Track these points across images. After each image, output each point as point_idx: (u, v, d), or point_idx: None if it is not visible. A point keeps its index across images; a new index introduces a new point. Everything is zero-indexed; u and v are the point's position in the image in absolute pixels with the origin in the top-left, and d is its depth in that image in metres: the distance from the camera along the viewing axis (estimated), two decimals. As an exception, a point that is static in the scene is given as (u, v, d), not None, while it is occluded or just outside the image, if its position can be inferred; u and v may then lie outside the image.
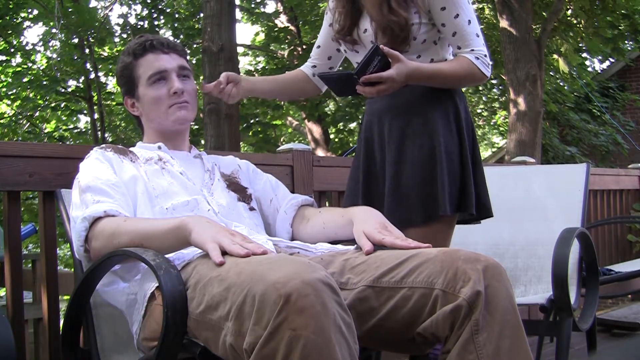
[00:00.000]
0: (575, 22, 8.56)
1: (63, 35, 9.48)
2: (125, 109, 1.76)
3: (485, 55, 1.83)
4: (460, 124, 1.85)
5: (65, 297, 3.36)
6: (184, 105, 1.65)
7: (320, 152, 11.23)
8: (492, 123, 15.27)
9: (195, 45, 10.24)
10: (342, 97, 1.74)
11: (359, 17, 1.86)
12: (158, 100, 1.64)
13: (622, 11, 8.65)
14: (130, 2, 10.72)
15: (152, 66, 1.64)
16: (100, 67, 10.74)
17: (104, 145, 1.63)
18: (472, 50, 1.81)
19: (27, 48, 10.63)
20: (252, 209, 1.69)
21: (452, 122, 1.84)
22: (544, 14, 8.33)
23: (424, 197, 1.79)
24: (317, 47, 2.03)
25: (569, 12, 8.47)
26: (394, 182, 1.82)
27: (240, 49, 11.81)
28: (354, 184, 1.95)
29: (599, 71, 12.32)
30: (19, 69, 10.70)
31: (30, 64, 10.76)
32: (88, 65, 10.44)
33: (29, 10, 10.14)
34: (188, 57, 1.78)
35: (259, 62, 13.95)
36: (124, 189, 1.51)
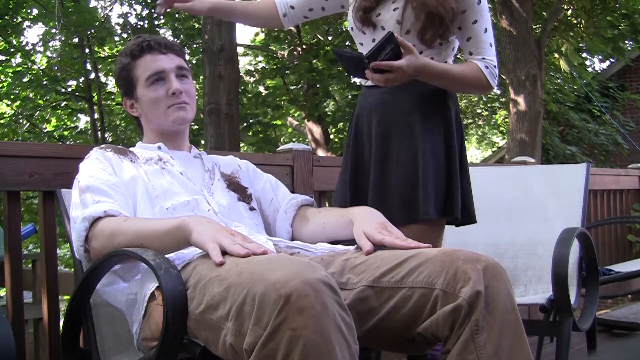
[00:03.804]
0: (575, 22, 8.56)
1: (63, 35, 9.48)
2: (125, 109, 1.76)
3: (495, 66, 1.83)
4: (450, 129, 1.83)
5: (65, 297, 3.36)
6: (183, 105, 1.64)
7: (320, 152, 11.23)
8: (492, 123, 15.27)
9: (195, 45, 10.24)
10: (352, 76, 1.71)
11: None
12: (156, 101, 1.63)
13: (623, 11, 8.65)
14: (131, 1, 10.71)
15: (150, 67, 1.64)
16: (100, 67, 10.74)
17: (103, 145, 1.63)
18: (484, 58, 1.82)
19: (27, 48, 10.63)
20: (252, 208, 1.69)
21: (441, 125, 1.82)
22: (544, 14, 8.33)
23: (405, 200, 1.78)
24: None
25: (569, 12, 8.47)
26: (378, 179, 1.82)
27: (240, 49, 11.80)
28: (342, 179, 1.95)
29: (599, 71, 12.32)
30: (19, 69, 10.70)
31: (30, 64, 10.76)
32: (88, 66, 10.44)
33: (29, 10, 10.14)
34: (187, 57, 1.77)
35: (259, 62, 13.94)
36: (123, 189, 1.51)
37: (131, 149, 1.66)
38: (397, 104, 1.83)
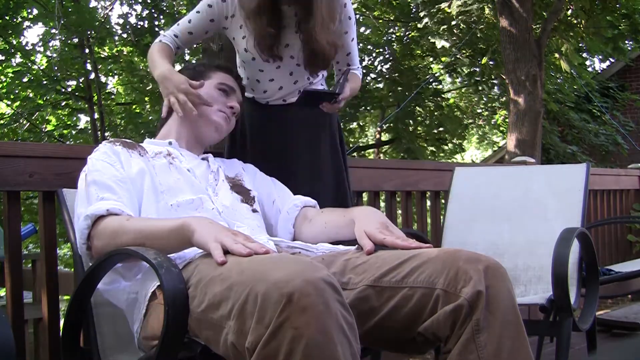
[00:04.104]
0: (575, 22, 8.56)
1: (63, 35, 9.47)
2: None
3: (360, 73, 2.16)
4: (342, 139, 2.16)
5: (65, 297, 3.37)
6: (230, 118, 1.77)
7: (320, 152, 11.20)
8: (492, 123, 15.27)
9: (195, 45, 10.23)
10: (304, 106, 1.96)
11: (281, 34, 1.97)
12: (214, 100, 1.74)
13: (623, 11, 8.65)
14: (131, 1, 10.70)
15: (225, 79, 1.79)
16: (100, 67, 10.73)
17: (112, 139, 1.64)
18: (358, 67, 2.14)
19: (27, 48, 10.62)
20: (254, 210, 1.69)
21: (337, 138, 2.12)
22: (544, 13, 8.32)
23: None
24: (189, 33, 2.01)
25: (569, 12, 8.46)
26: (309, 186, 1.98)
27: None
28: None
29: (599, 71, 12.31)
30: (18, 68, 10.70)
31: (30, 64, 10.76)
32: (88, 66, 10.43)
33: (29, 10, 10.13)
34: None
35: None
36: (129, 185, 1.52)
37: (140, 144, 1.67)
38: (309, 121, 2.06)
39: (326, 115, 2.04)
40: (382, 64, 11.87)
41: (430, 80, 11.86)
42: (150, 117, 10.83)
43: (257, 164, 1.90)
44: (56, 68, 10.11)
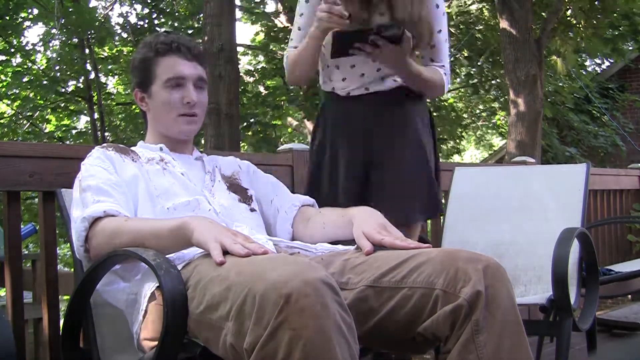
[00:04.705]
0: (574, 22, 8.56)
1: (63, 35, 9.47)
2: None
3: (446, 74, 1.99)
4: (435, 137, 2.04)
5: (65, 297, 3.36)
6: (193, 119, 1.66)
7: (320, 152, 11.18)
8: (492, 123, 15.26)
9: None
10: (333, 57, 1.84)
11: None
12: (169, 105, 1.63)
13: (622, 12, 8.64)
14: (132, 1, 10.70)
15: (172, 69, 1.63)
16: (100, 67, 10.72)
17: (105, 144, 1.63)
18: (443, 66, 1.97)
19: (27, 48, 10.62)
20: (252, 210, 1.69)
21: (424, 137, 1.98)
22: (543, 14, 8.33)
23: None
24: (298, 29, 1.96)
25: (568, 12, 8.47)
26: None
27: (240, 49, 11.78)
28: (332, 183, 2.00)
29: (599, 71, 12.31)
30: (18, 68, 10.69)
31: (30, 64, 10.75)
32: (88, 66, 10.43)
33: (29, 10, 10.13)
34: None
35: (259, 61, 13.93)
36: (124, 189, 1.51)
37: (133, 148, 1.66)
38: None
39: (417, 109, 1.97)
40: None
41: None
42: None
43: (335, 167, 1.94)
44: (57, 67, 10.11)
